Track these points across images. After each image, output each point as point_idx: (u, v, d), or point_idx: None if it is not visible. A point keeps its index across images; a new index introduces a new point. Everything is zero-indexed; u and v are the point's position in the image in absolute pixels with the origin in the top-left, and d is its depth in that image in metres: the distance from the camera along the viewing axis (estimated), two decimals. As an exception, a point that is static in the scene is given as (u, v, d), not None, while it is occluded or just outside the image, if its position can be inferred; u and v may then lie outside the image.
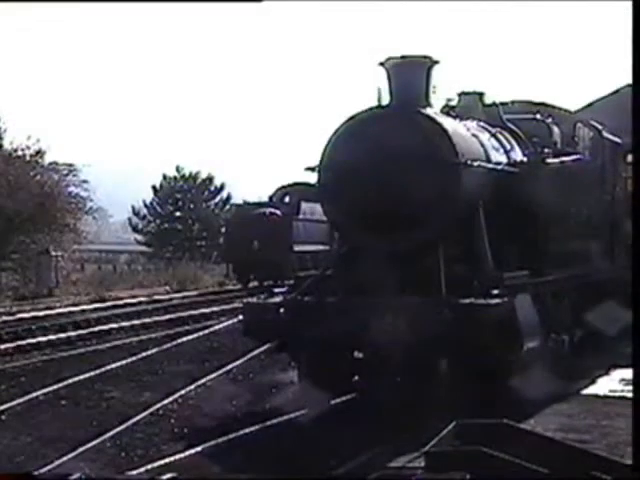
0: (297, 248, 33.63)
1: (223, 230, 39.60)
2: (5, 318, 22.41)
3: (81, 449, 9.08)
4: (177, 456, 8.89)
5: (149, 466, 8.51)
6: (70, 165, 39.83)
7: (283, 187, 38.02)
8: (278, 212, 34.39)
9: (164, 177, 55.69)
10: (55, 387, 12.42)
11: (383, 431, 8.82)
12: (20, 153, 38.22)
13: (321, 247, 34.66)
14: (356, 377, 10.81)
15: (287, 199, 35.93)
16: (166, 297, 29.38)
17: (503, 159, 11.48)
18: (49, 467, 8.39)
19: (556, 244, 11.77)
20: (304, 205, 34.82)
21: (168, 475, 7.93)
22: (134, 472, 8.31)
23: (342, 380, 10.72)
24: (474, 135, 11.07)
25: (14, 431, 10.22)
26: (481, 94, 12.45)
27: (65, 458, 8.75)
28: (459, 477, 6.34)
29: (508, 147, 11.79)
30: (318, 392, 10.66)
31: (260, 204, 36.36)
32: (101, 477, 8.15)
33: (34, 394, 11.97)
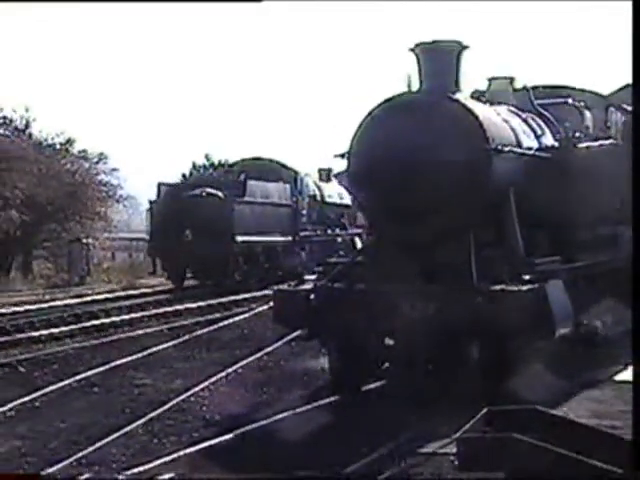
0: (241, 238, 27.33)
1: (148, 217, 31.40)
2: (38, 306, 22.60)
3: (113, 435, 9.16)
4: (211, 442, 8.92)
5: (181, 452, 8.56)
6: (100, 153, 40.09)
7: (239, 162, 33.14)
8: (219, 193, 27.64)
9: (193, 165, 55.77)
10: (87, 374, 12.54)
11: (414, 418, 8.81)
12: (50, 142, 38.57)
13: (279, 238, 29.89)
14: (386, 364, 10.81)
15: (242, 177, 29.64)
16: (197, 284, 29.46)
17: (534, 144, 11.41)
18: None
19: (587, 229, 11.69)
20: (253, 184, 28.93)
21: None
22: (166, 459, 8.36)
23: (372, 367, 10.73)
24: (505, 120, 11.00)
25: (48, 417, 10.31)
26: (511, 79, 12.35)
27: (98, 444, 8.84)
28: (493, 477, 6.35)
29: (539, 132, 11.71)
30: (348, 379, 10.68)
31: (198, 183, 29.54)
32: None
33: (67, 381, 12.08)
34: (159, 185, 29.03)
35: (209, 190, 27.58)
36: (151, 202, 29.35)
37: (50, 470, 8.11)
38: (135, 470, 8.04)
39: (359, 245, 33.88)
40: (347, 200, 34.29)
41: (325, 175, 35.55)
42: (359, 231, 36.10)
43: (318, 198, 33.61)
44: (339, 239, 34.33)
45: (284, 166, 32.47)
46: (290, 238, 30.76)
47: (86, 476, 8.00)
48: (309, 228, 32.42)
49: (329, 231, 33.96)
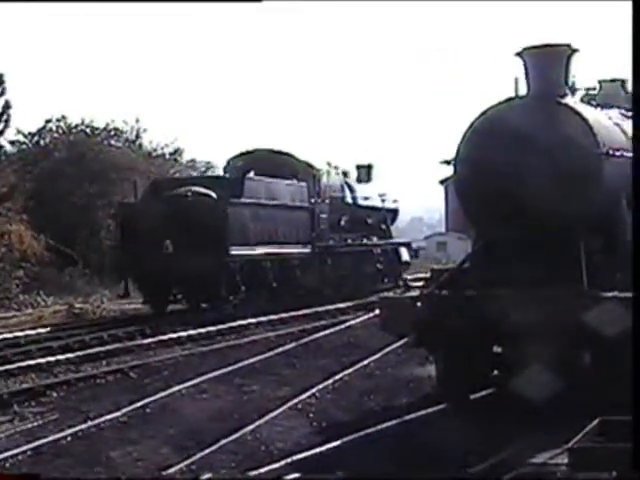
0: (236, 251, 21.69)
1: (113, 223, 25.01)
2: (147, 314, 22.99)
3: (222, 441, 9.24)
4: (314, 451, 8.91)
5: (289, 459, 8.58)
6: (207, 162, 40.73)
7: (242, 154, 26.36)
8: (211, 193, 21.98)
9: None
10: (196, 381, 12.69)
11: (525, 427, 8.67)
12: (159, 152, 39.34)
13: (293, 250, 24.38)
14: (495, 372, 10.67)
15: (252, 173, 23.88)
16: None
17: (648, 147, 11.13)
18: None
19: None
20: (255, 182, 23.31)
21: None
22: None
23: (481, 375, 10.60)
24: (616, 124, 10.77)
25: (158, 423, 10.47)
26: (623, 81, 12.10)
27: (207, 450, 8.92)
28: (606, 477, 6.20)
29: (653, 135, 11.42)
30: (456, 387, 10.57)
31: (186, 180, 24.03)
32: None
33: (176, 388, 12.25)
34: (134, 182, 24.54)
35: (196, 189, 22.09)
36: (120, 204, 24.43)
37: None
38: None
39: (405, 257, 30.66)
40: (391, 203, 30.65)
41: (365, 173, 30.23)
42: (405, 240, 32.42)
43: (348, 200, 27.89)
44: (377, 250, 29.11)
45: (300, 161, 26.13)
46: (309, 250, 25.18)
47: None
48: (335, 237, 26.71)
49: (365, 240, 28.66)
